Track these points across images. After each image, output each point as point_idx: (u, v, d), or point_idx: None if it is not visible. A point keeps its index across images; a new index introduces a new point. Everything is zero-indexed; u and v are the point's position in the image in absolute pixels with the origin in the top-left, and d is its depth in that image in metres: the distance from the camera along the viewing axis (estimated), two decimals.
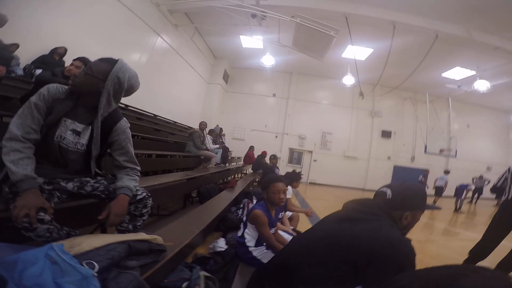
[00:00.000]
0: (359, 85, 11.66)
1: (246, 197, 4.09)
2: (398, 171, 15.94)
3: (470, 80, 11.88)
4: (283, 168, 13.12)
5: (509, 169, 3.04)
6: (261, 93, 16.23)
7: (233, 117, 15.72)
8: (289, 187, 3.47)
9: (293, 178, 3.63)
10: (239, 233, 2.22)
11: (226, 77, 15.59)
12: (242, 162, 11.10)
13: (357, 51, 11.63)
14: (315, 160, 15.72)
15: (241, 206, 3.68)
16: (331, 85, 15.89)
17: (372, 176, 15.66)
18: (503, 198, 2.97)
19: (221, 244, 2.57)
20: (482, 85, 11.19)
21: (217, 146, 7.62)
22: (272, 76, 15.89)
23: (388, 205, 1.13)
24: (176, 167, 4.97)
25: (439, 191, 10.60)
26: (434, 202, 10.49)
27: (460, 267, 0.54)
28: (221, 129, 10.54)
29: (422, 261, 3.47)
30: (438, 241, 4.94)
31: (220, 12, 8.74)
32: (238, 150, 12.54)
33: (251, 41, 11.21)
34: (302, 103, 16.11)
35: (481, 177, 12.53)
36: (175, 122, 10.12)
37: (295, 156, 16.14)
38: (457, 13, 8.69)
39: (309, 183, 14.99)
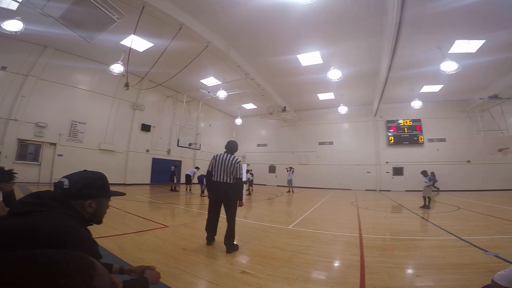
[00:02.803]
0: (127, 75, 11.19)
1: None
2: (156, 162, 17.18)
3: (217, 88, 15.53)
4: (10, 166, 9.37)
5: (214, 157, 3.97)
6: None
7: None
8: None
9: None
10: None
11: None
12: None
13: (138, 42, 11.44)
14: (60, 155, 12.78)
15: None
16: (95, 69, 13.85)
17: (132, 169, 15.63)
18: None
19: None
20: (222, 94, 15.10)
21: None
22: (9, 44, 10.93)
23: (65, 195, 1.12)
24: None
25: (188, 179, 12.87)
26: (187, 189, 12.66)
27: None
28: None
29: (177, 244, 3.99)
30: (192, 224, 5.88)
31: None
32: None
33: None
34: (49, 83, 12.39)
35: None
36: None
37: (30, 150, 12.12)
38: (227, 30, 10.80)
39: (53, 183, 11.93)
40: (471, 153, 17.57)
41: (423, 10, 8.37)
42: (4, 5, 8.63)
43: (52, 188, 1.16)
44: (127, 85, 10.82)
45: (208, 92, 16.52)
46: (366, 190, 18.91)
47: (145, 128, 16.72)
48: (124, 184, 14.84)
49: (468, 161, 17.65)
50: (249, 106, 21.94)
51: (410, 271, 3.03)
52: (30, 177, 11.72)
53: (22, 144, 11.76)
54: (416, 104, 16.38)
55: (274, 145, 24.17)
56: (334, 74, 11.99)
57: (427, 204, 8.66)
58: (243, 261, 3.27)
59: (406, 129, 19.60)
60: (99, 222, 1.26)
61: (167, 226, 4.98)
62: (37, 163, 12.19)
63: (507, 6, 7.88)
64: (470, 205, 9.33)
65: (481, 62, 11.75)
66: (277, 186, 21.36)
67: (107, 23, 7.09)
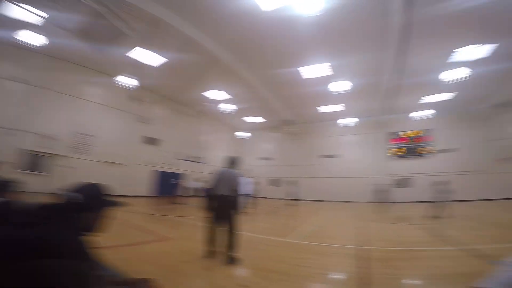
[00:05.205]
0: (136, 88, 11.40)
1: None
2: (160, 175, 17.19)
3: (222, 101, 15.71)
4: (21, 176, 9.57)
5: (216, 171, 4.05)
6: None
7: None
8: None
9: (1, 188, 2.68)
10: None
11: None
12: None
13: (147, 56, 11.72)
14: (68, 166, 12.94)
15: None
16: (104, 82, 14.25)
17: (136, 181, 15.73)
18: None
19: None
20: (227, 107, 15.28)
21: None
22: (23, 54, 11.33)
23: (71, 207, 1.15)
24: None
25: (190, 192, 12.91)
26: (188, 202, 12.64)
27: None
28: None
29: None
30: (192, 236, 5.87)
31: None
32: None
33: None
34: (58, 95, 12.80)
35: None
36: None
37: (40, 161, 12.31)
38: (233, 44, 10.98)
39: (60, 195, 11.97)
40: (480, 163, 17.39)
41: (429, 15, 8.42)
42: (25, 19, 8.83)
43: (58, 199, 1.19)
44: (135, 98, 11.04)
45: (214, 105, 16.73)
46: (371, 202, 18.60)
47: (151, 141, 16.93)
48: (128, 196, 14.86)
49: (476, 171, 17.29)
50: (254, 119, 22.10)
51: (414, 282, 3.00)
52: (39, 187, 11.84)
53: (33, 156, 11.99)
54: (422, 114, 16.10)
55: (279, 158, 24.14)
56: (340, 86, 12.04)
57: (438, 215, 8.61)
58: (242, 274, 3.25)
59: (412, 140, 19.45)
60: (100, 232, 1.28)
61: (167, 238, 4.98)
62: (46, 174, 12.36)
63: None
64: (477, 215, 9.26)
65: (492, 68, 11.58)
66: (281, 199, 21.13)
67: (120, 37, 7.37)
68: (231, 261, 3.51)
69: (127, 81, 11.77)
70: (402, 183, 18.90)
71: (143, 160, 16.59)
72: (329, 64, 12.15)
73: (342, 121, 18.28)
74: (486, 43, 10.00)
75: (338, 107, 18.35)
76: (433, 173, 17.21)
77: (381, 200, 17.88)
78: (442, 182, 9.10)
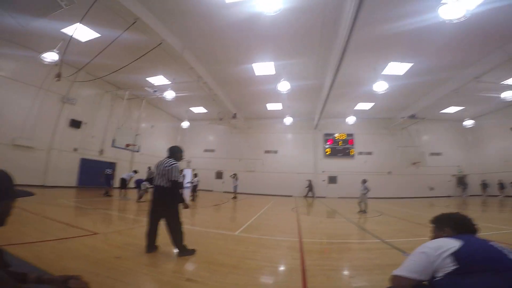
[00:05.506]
0: (61, 65, 9.80)
1: None
2: (85, 164, 15.21)
3: (165, 88, 14.47)
4: None
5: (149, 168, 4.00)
6: None
7: None
8: None
9: None
10: None
11: None
12: None
13: (82, 32, 10.33)
14: None
15: None
16: (22, 56, 11.89)
17: (55, 169, 13.53)
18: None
19: None
20: (170, 94, 14.08)
21: None
22: None
23: None
24: None
25: (123, 183, 11.69)
26: (121, 194, 11.42)
27: None
28: None
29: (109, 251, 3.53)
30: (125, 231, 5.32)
31: None
32: None
33: None
34: None
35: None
36: None
37: None
38: (186, 32, 10.33)
39: None
40: (392, 166, 20.60)
41: (368, 33, 9.49)
42: None
43: None
44: (59, 75, 9.51)
45: (155, 91, 15.50)
46: (308, 196, 20.18)
47: (75, 124, 14.72)
48: (44, 186, 12.72)
49: (389, 172, 20.56)
50: (198, 109, 21.37)
51: (344, 272, 3.32)
52: None
53: None
54: (351, 120, 18.44)
55: (222, 151, 24.01)
56: (284, 86, 12.59)
57: (362, 209, 9.67)
58: (189, 269, 3.14)
59: (340, 142, 21.91)
60: (4, 225, 1.12)
61: (96, 233, 4.45)
62: None
63: (434, 36, 9.69)
64: (390, 211, 10.73)
65: (406, 84, 13.78)
66: (224, 192, 21.13)
67: (52, 9, 6.23)
68: (184, 251, 3.43)
69: (54, 56, 9.91)
70: (333, 180, 21.20)
71: (68, 146, 14.39)
72: (273, 63, 12.56)
73: (285, 120, 19.29)
74: (405, 62, 11.86)
75: (282, 106, 19.21)
76: (357, 172, 19.63)
77: (316, 195, 19.65)
78: (363, 181, 10.27)
